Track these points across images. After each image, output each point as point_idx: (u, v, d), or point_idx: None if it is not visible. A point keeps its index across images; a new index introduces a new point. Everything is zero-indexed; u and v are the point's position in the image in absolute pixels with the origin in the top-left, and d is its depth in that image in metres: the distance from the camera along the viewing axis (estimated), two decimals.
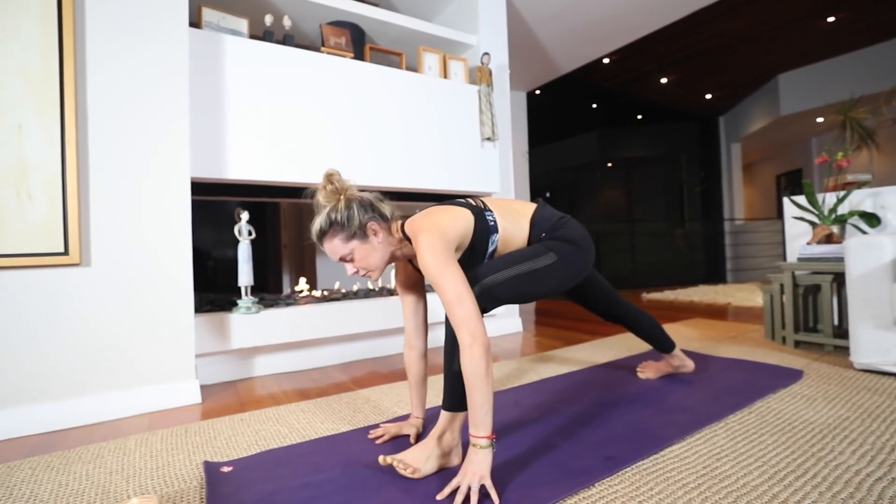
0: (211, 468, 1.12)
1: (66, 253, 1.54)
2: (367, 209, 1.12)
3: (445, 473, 1.05)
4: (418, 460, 1.04)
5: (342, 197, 1.12)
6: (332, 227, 1.09)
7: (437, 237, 1.04)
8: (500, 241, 1.21)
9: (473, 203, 1.20)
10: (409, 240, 1.15)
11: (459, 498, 0.91)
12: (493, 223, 1.18)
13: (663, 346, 1.66)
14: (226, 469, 1.12)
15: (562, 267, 1.17)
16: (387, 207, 1.17)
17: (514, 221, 1.23)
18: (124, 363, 1.64)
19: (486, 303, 1.09)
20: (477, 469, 0.94)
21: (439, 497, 0.95)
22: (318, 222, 1.10)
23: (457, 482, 0.95)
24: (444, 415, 1.10)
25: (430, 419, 1.34)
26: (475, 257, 1.18)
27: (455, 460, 1.10)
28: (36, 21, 1.53)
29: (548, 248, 1.18)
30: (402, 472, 1.03)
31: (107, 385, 1.61)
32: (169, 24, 1.76)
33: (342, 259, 1.11)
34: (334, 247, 1.11)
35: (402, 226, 1.17)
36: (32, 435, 1.47)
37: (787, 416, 1.36)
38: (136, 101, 1.69)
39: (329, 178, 1.12)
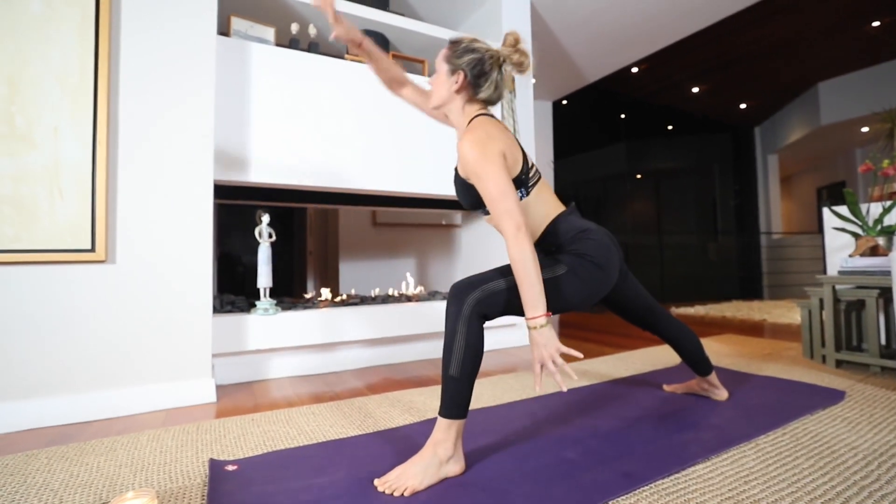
0: (216, 466, 1.12)
1: (92, 250, 1.59)
2: (474, 70, 1.17)
3: (449, 481, 1.01)
4: (415, 475, 1.00)
5: (488, 50, 1.18)
6: (455, 48, 1.19)
7: (489, 141, 1.07)
8: None
9: (530, 172, 1.19)
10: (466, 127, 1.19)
11: (548, 373, 1.00)
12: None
13: (701, 368, 1.54)
14: (230, 468, 1.11)
15: (573, 281, 1.13)
16: (485, 92, 1.19)
17: (536, 217, 1.20)
18: (144, 360, 1.67)
19: (484, 309, 1.05)
20: (548, 346, 1.00)
21: (537, 388, 1.00)
22: (464, 36, 1.22)
23: (538, 368, 1.01)
24: (440, 422, 1.04)
25: (428, 426, 1.30)
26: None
27: (455, 468, 1.05)
28: (75, 28, 1.60)
29: (556, 260, 1.15)
30: (396, 494, 0.97)
31: (126, 380, 1.64)
32: (198, 32, 1.82)
33: (436, 64, 1.22)
34: (441, 55, 1.21)
35: (477, 114, 1.19)
36: (54, 426, 1.51)
37: (825, 439, 1.25)
38: (165, 105, 1.74)
39: (519, 46, 1.18)
